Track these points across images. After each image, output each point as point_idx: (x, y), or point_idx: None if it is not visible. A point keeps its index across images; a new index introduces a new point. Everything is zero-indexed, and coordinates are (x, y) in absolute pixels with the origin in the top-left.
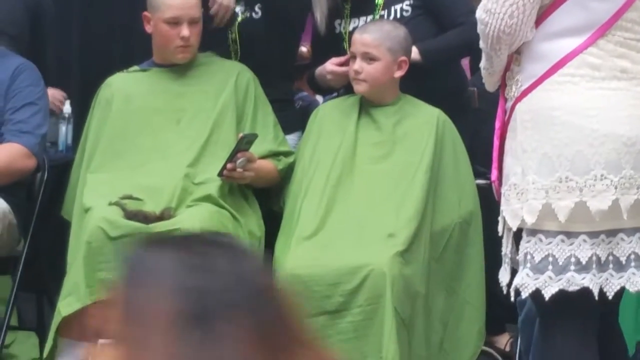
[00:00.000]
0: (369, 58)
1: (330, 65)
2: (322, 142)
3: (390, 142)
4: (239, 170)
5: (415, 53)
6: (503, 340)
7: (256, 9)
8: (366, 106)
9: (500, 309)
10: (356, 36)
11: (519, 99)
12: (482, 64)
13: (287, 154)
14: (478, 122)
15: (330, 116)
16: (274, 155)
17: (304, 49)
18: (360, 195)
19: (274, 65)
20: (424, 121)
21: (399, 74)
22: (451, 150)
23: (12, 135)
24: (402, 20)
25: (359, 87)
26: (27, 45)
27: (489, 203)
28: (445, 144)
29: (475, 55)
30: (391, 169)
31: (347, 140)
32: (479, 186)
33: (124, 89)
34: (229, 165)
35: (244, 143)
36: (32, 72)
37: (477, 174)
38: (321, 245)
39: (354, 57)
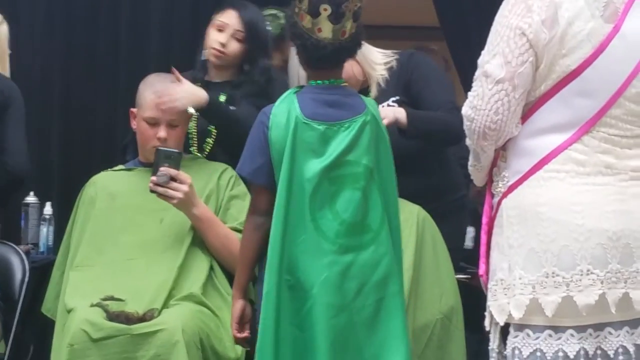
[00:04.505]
0: None
1: None
2: None
3: None
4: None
5: (402, 115)
6: None
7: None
8: None
9: None
10: None
11: (505, 195)
12: (470, 161)
13: None
14: None
15: None
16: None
17: None
18: None
19: None
20: (404, 219)
21: None
22: (431, 246)
23: None
24: None
25: None
26: None
27: (470, 298)
28: (425, 241)
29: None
30: None
31: None
32: (459, 281)
33: (108, 186)
34: (152, 178)
35: (163, 158)
36: None
37: (458, 269)
38: None
39: None
